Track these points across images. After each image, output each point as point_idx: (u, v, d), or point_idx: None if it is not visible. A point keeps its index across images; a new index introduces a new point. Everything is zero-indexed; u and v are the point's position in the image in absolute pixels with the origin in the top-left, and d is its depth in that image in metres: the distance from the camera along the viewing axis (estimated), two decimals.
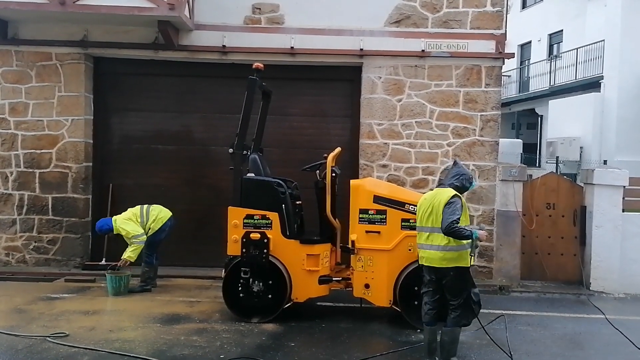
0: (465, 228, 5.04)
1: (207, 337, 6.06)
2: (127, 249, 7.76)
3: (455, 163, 5.61)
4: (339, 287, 6.88)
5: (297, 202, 7.14)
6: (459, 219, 5.02)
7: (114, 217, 7.94)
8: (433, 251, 5.21)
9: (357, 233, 6.56)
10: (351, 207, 6.63)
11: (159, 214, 8.04)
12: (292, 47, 8.94)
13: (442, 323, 5.33)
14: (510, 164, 9.50)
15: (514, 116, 24.53)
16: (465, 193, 5.43)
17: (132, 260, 7.76)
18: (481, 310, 7.13)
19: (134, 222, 7.82)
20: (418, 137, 9.04)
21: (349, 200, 6.67)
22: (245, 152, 6.93)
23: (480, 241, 5.20)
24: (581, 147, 18.20)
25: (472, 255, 5.24)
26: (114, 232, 7.88)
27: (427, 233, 5.27)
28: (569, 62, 20.60)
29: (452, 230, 4.98)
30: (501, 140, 9.62)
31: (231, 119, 8.17)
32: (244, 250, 6.57)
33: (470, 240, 5.08)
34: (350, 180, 6.92)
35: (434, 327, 5.32)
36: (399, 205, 6.51)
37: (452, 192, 5.19)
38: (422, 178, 9.01)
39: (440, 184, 5.50)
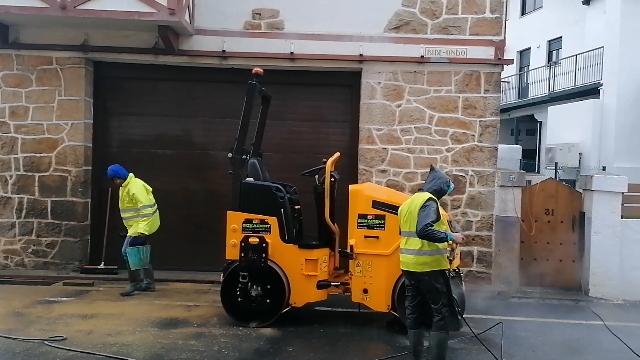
0: (440, 231, 5.05)
1: (204, 341, 6.05)
2: (139, 224, 7.81)
3: (432, 169, 5.69)
4: (338, 292, 6.89)
5: (296, 207, 7.14)
6: (433, 222, 5.04)
7: (132, 174, 8.04)
8: (409, 255, 5.25)
9: (355, 238, 6.56)
10: (350, 212, 6.64)
11: (155, 221, 8.07)
12: (291, 53, 8.97)
13: (428, 327, 5.34)
14: (509, 169, 9.51)
15: (513, 122, 24.55)
16: (446, 197, 5.47)
17: (147, 234, 7.84)
18: (481, 316, 7.23)
19: (147, 194, 7.93)
20: (417, 143, 9.05)
21: (348, 205, 6.68)
22: (244, 156, 6.94)
23: (457, 243, 5.24)
24: (580, 153, 18.21)
25: (450, 259, 5.28)
26: (122, 185, 7.95)
27: (406, 238, 5.32)
28: (568, 68, 20.64)
29: (426, 233, 5.00)
30: (500, 146, 9.64)
31: (230, 124, 8.17)
32: (242, 254, 6.57)
33: (446, 244, 5.11)
34: (349, 185, 6.94)
35: (417, 330, 5.36)
36: (397, 210, 6.51)
37: (427, 195, 5.24)
38: (421, 183, 8.96)
39: (420, 190, 5.55)
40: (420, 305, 5.35)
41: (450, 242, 5.15)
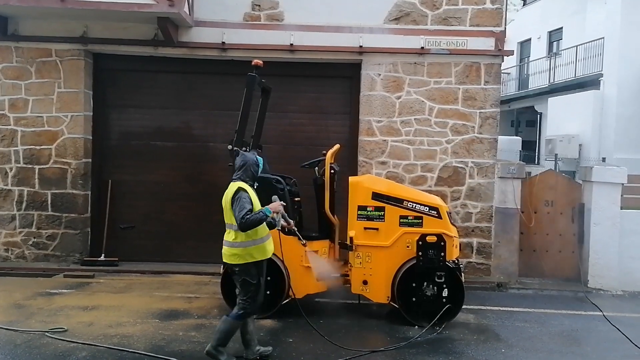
0: (256, 213, 4.98)
1: (205, 332, 6.08)
2: None
3: (237, 153, 5.48)
4: (337, 283, 6.90)
5: (296, 199, 7.13)
6: (250, 210, 4.95)
7: None
8: (225, 247, 5.20)
9: (355, 230, 6.58)
10: (350, 204, 6.65)
11: None
12: (291, 44, 8.94)
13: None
14: (509, 161, 9.51)
15: (513, 113, 24.51)
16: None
17: None
18: (480, 307, 7.24)
19: None
20: (417, 134, 9.05)
21: (348, 197, 6.69)
22: (244, 148, 6.93)
23: (276, 212, 5.12)
24: (580, 145, 18.18)
25: (279, 229, 5.28)
26: None
27: (227, 229, 5.22)
28: (569, 59, 20.55)
29: (246, 224, 4.91)
30: (500, 137, 9.64)
31: (230, 116, 8.15)
32: None
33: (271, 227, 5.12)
34: (349, 177, 6.94)
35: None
36: (397, 202, 6.53)
37: (235, 186, 5.09)
38: (421, 175, 9.02)
39: (233, 178, 5.30)
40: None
41: (272, 214, 5.06)
